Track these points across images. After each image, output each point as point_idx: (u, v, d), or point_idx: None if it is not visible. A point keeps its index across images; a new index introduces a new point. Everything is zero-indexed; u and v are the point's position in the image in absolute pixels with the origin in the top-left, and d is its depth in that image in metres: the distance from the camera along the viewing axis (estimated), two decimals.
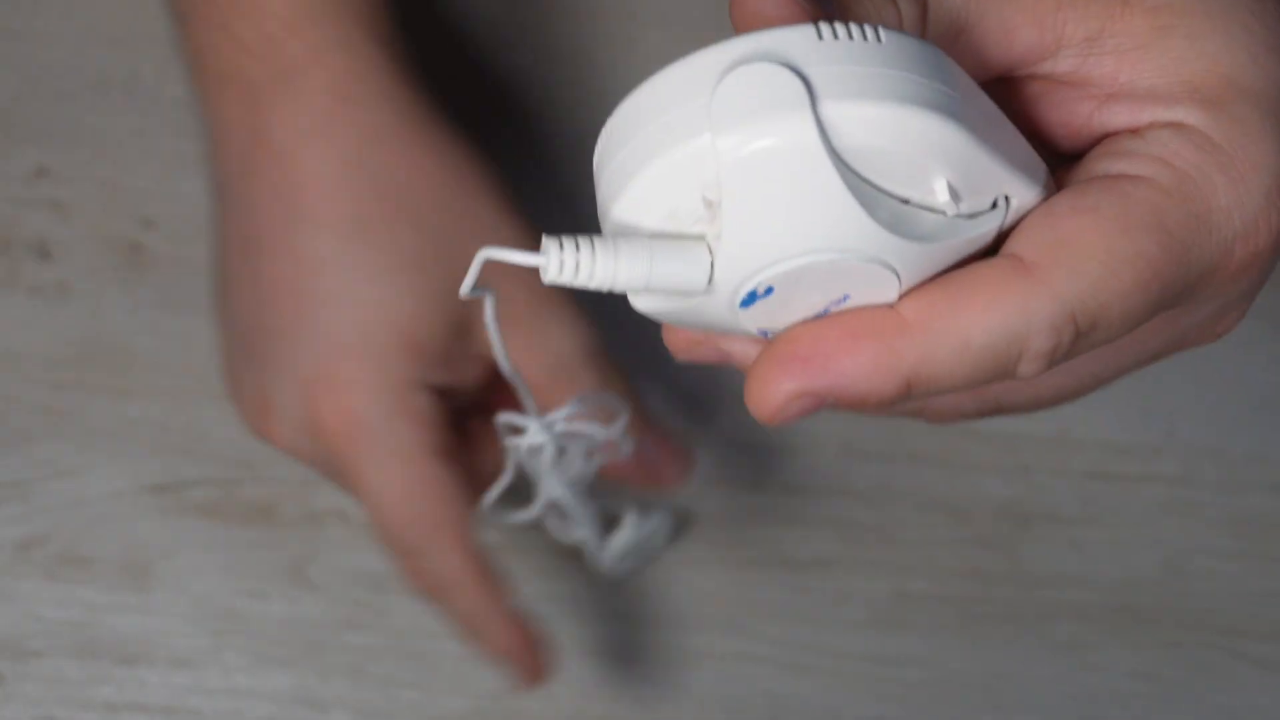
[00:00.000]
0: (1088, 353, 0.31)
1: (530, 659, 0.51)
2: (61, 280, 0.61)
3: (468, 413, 0.52)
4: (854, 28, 0.29)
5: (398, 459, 0.47)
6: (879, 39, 0.29)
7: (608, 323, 0.54)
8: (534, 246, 0.30)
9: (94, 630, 0.60)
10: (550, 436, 0.45)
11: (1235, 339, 0.64)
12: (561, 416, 0.45)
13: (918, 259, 0.30)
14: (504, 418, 0.46)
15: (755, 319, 0.31)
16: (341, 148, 0.47)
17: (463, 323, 0.48)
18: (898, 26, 0.31)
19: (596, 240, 0.30)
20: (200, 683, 0.60)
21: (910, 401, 0.30)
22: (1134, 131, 0.32)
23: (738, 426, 0.62)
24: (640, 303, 0.32)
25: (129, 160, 0.62)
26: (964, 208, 0.30)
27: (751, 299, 0.30)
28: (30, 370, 0.61)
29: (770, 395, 0.30)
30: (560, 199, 0.61)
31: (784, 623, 0.61)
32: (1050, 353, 0.30)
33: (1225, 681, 0.62)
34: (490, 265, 0.31)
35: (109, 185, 0.62)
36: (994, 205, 0.31)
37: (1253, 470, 0.63)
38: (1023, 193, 0.31)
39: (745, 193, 0.28)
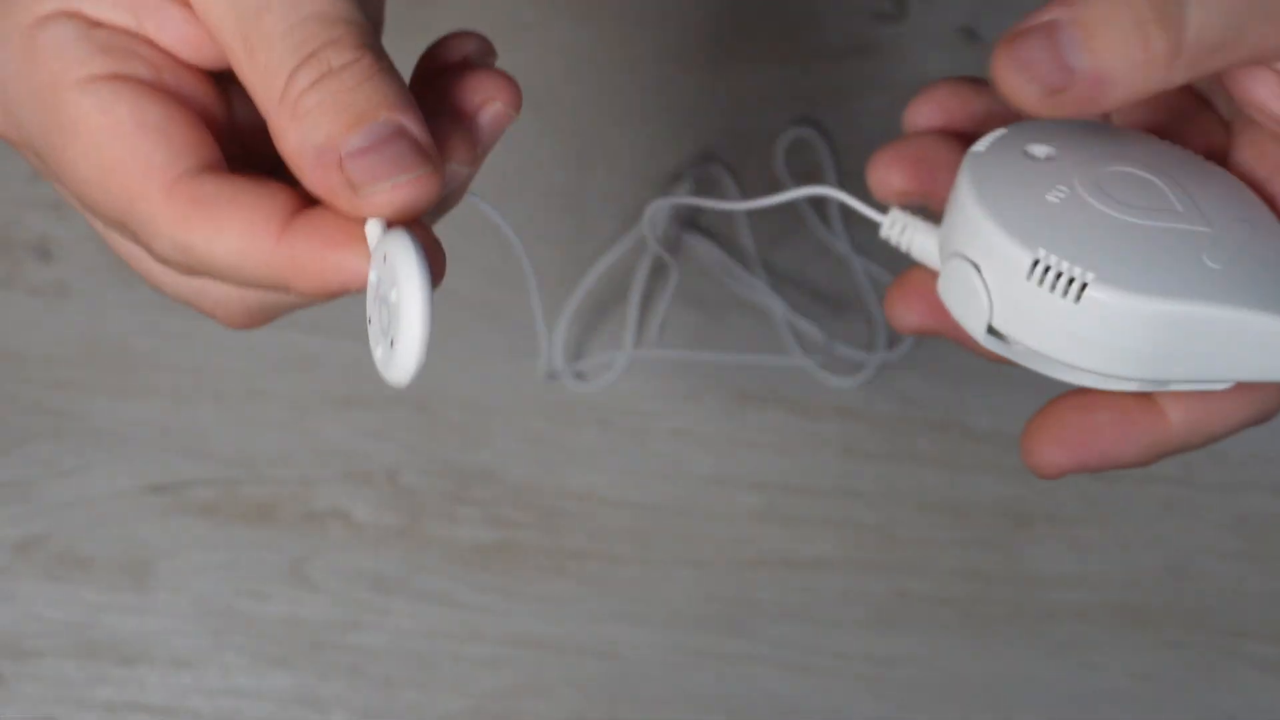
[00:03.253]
0: None
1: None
2: (61, 280, 0.61)
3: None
4: None
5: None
6: None
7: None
8: None
9: (94, 630, 0.60)
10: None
11: None
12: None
13: None
14: None
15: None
16: None
17: None
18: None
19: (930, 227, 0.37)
20: (200, 683, 0.60)
21: None
22: None
23: (738, 426, 0.62)
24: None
25: None
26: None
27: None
28: (30, 370, 0.61)
29: (1048, 463, 0.37)
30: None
31: (784, 623, 0.61)
32: None
33: (1225, 682, 0.62)
34: None
35: None
36: None
37: (1253, 470, 0.63)
38: None
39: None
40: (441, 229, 0.60)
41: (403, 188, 0.30)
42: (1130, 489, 0.63)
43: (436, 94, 0.33)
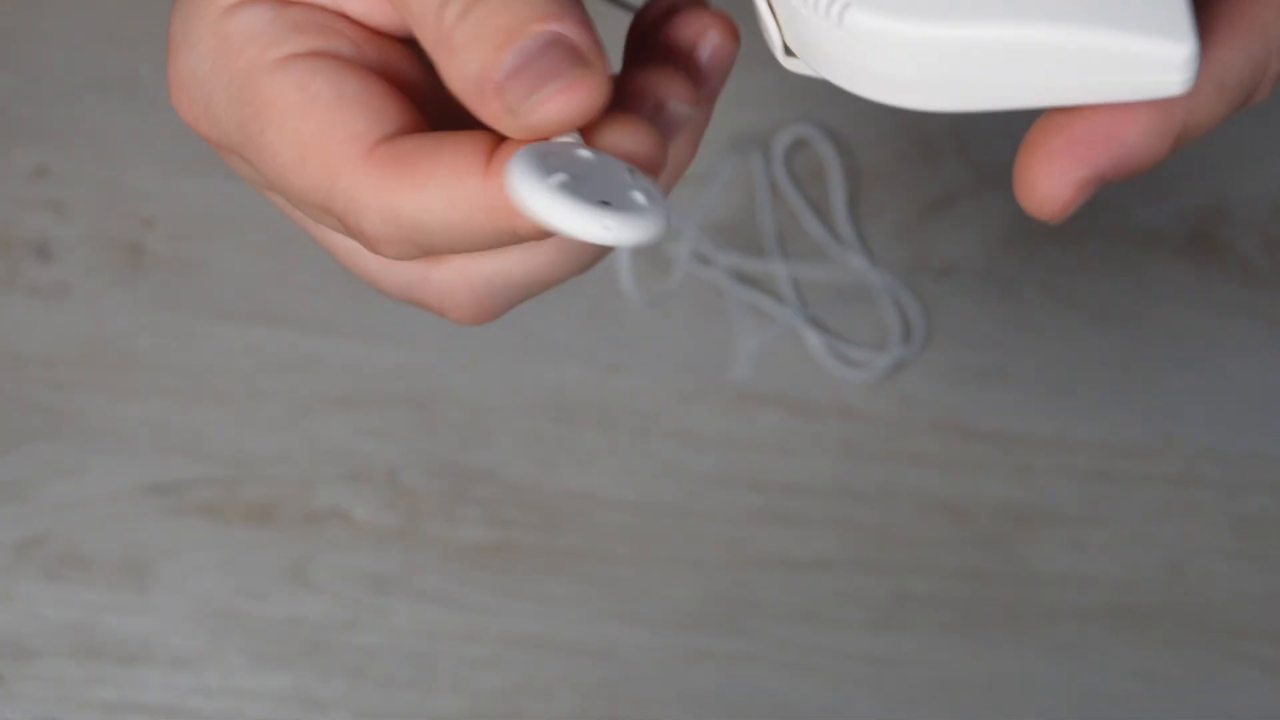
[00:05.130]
0: None
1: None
2: (61, 280, 0.61)
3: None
4: None
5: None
6: None
7: None
8: None
9: (94, 630, 0.60)
10: None
11: (1235, 340, 0.64)
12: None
13: None
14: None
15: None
16: None
17: None
18: None
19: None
20: (200, 683, 0.60)
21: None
22: None
23: (738, 426, 0.62)
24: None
25: (129, 160, 0.62)
26: None
27: None
28: (30, 370, 0.61)
29: (1061, 189, 0.29)
30: None
31: (784, 623, 0.61)
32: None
33: (1225, 682, 0.62)
34: None
35: (109, 185, 0.62)
36: None
37: (1253, 470, 0.63)
38: None
39: None
40: None
41: (555, 97, 0.28)
42: (1130, 489, 0.63)
43: (651, 45, 0.31)
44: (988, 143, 0.64)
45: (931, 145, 0.64)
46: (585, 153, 0.27)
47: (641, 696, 0.61)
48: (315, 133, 0.30)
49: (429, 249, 0.30)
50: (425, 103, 0.31)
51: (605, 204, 0.26)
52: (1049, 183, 0.29)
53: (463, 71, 0.28)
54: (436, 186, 0.28)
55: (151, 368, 0.61)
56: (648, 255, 0.63)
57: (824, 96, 0.64)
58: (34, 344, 0.61)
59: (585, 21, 0.28)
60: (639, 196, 0.27)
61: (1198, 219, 0.64)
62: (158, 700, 0.60)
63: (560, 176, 0.26)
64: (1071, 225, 0.64)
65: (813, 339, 0.62)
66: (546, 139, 0.28)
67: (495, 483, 0.61)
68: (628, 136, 0.28)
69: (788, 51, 0.29)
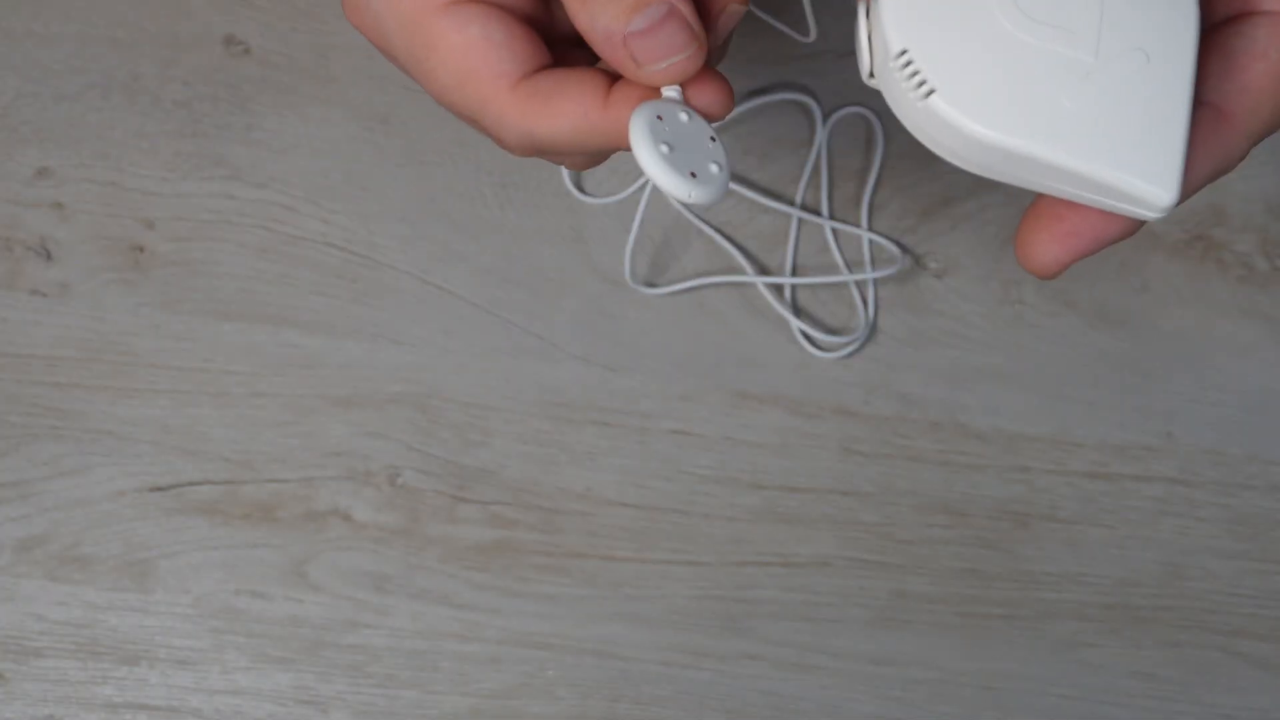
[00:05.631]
0: None
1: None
2: (63, 280, 0.61)
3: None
4: None
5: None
6: None
7: None
8: None
9: (95, 630, 0.60)
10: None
11: (1235, 340, 0.64)
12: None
13: None
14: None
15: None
16: None
17: None
18: None
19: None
20: (201, 682, 0.60)
21: None
22: None
23: (738, 426, 0.62)
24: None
25: (129, 160, 0.62)
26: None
27: None
28: (31, 370, 0.61)
29: (1045, 260, 0.38)
30: None
31: (783, 622, 0.61)
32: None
33: (1225, 681, 0.62)
34: None
35: (109, 185, 0.62)
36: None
37: (1252, 470, 0.63)
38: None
39: None
40: (443, 229, 0.60)
41: (676, 66, 0.37)
42: (1130, 488, 0.63)
43: None
44: None
45: None
46: (684, 115, 0.36)
47: (641, 696, 0.61)
48: (471, 68, 0.38)
49: (550, 155, 0.40)
50: (549, 37, 0.40)
51: (692, 175, 0.35)
52: (1046, 256, 0.38)
53: (593, 21, 0.36)
54: (567, 118, 0.38)
55: (152, 368, 0.61)
56: (649, 255, 0.63)
57: (823, 99, 0.64)
58: (35, 344, 0.61)
59: (691, 1, 0.37)
60: (713, 167, 0.36)
61: (1197, 219, 0.64)
62: (158, 700, 0.60)
63: (664, 147, 0.35)
64: None
65: (794, 322, 0.62)
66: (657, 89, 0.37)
67: (495, 483, 0.61)
68: (716, 100, 0.38)
69: (871, 75, 0.37)
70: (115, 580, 0.60)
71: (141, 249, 0.62)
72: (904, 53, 0.35)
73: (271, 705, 0.60)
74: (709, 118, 0.38)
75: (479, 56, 0.38)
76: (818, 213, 0.63)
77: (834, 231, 0.63)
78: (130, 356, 0.61)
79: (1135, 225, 0.37)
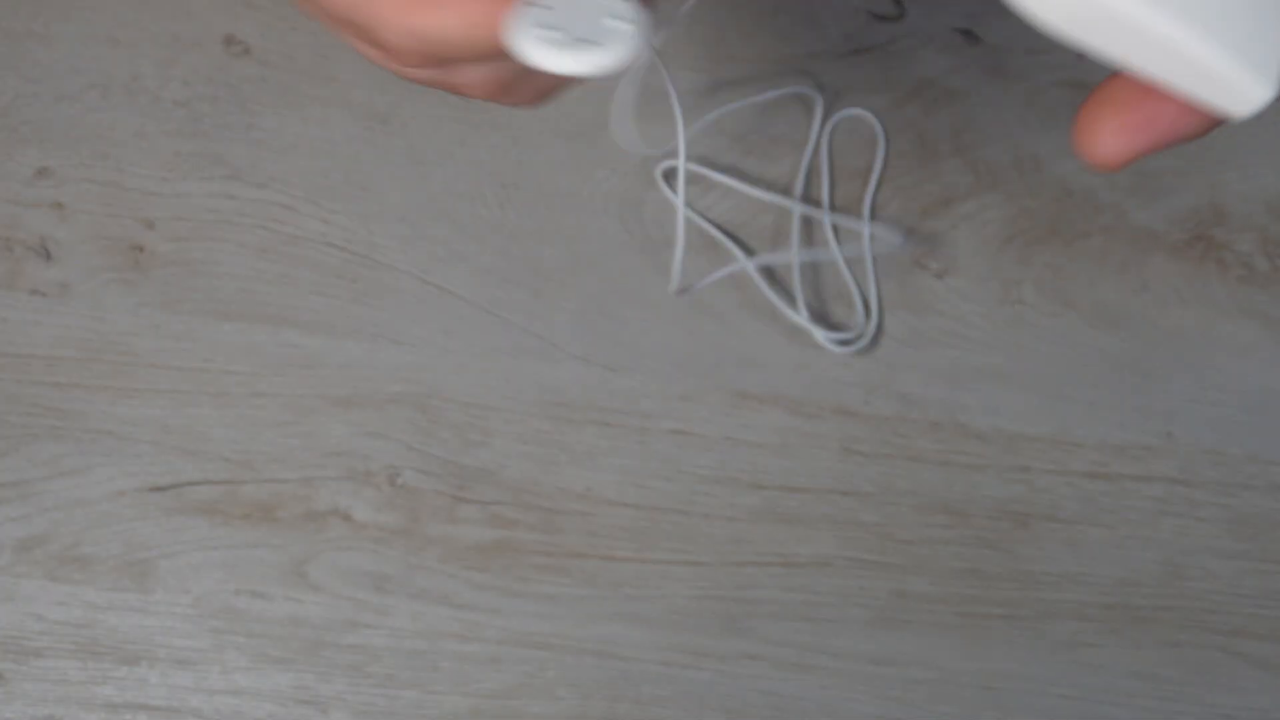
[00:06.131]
0: None
1: None
2: (62, 280, 0.61)
3: None
4: None
5: None
6: None
7: None
8: None
9: (95, 630, 0.60)
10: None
11: (1235, 340, 0.64)
12: None
13: None
14: None
15: None
16: None
17: None
18: None
19: None
20: (200, 682, 0.60)
21: None
22: None
23: (738, 426, 0.62)
24: None
25: (129, 160, 0.62)
26: None
27: None
28: (31, 370, 0.61)
29: (1121, 154, 0.33)
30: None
31: (783, 622, 0.61)
32: None
33: (1225, 681, 0.62)
34: None
35: (109, 185, 0.62)
36: None
37: (1252, 470, 0.63)
38: None
39: None
40: (443, 229, 0.60)
41: None
42: (1130, 488, 0.63)
43: None
44: (987, 144, 0.64)
45: (931, 145, 0.64)
46: None
47: (641, 696, 0.61)
48: None
49: (453, 58, 0.34)
50: None
51: (584, 41, 0.31)
52: (1111, 147, 0.33)
53: None
54: (454, 7, 0.33)
55: (152, 368, 0.61)
56: (649, 256, 0.63)
57: (823, 100, 0.64)
58: (35, 344, 0.61)
59: None
60: (620, 25, 0.32)
61: (1196, 219, 0.64)
62: (158, 700, 0.60)
63: (543, 30, 0.31)
64: (1071, 225, 0.64)
65: (794, 315, 0.62)
66: None
67: (495, 483, 0.61)
68: None
69: None
70: (115, 580, 0.60)
71: (141, 249, 0.62)
72: None
73: (271, 705, 0.60)
74: None
75: None
76: (818, 204, 0.63)
77: (834, 227, 0.63)
78: (130, 356, 0.61)
79: (1211, 125, 0.34)
